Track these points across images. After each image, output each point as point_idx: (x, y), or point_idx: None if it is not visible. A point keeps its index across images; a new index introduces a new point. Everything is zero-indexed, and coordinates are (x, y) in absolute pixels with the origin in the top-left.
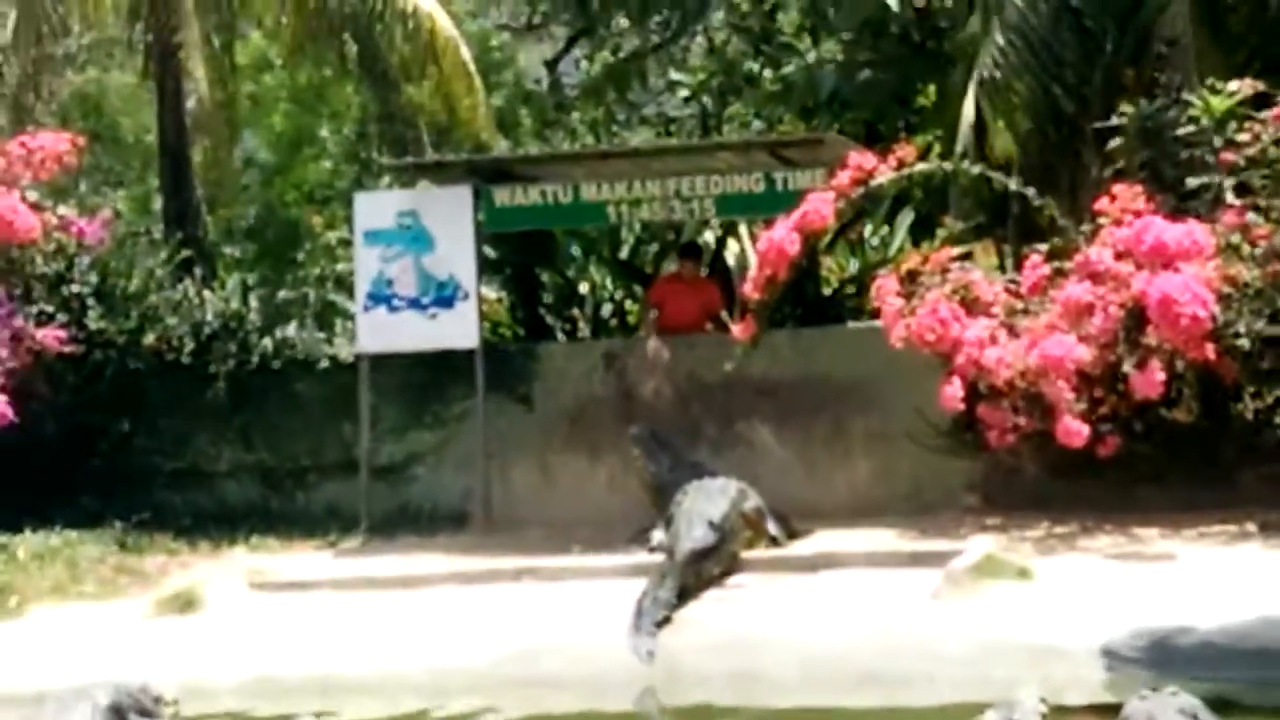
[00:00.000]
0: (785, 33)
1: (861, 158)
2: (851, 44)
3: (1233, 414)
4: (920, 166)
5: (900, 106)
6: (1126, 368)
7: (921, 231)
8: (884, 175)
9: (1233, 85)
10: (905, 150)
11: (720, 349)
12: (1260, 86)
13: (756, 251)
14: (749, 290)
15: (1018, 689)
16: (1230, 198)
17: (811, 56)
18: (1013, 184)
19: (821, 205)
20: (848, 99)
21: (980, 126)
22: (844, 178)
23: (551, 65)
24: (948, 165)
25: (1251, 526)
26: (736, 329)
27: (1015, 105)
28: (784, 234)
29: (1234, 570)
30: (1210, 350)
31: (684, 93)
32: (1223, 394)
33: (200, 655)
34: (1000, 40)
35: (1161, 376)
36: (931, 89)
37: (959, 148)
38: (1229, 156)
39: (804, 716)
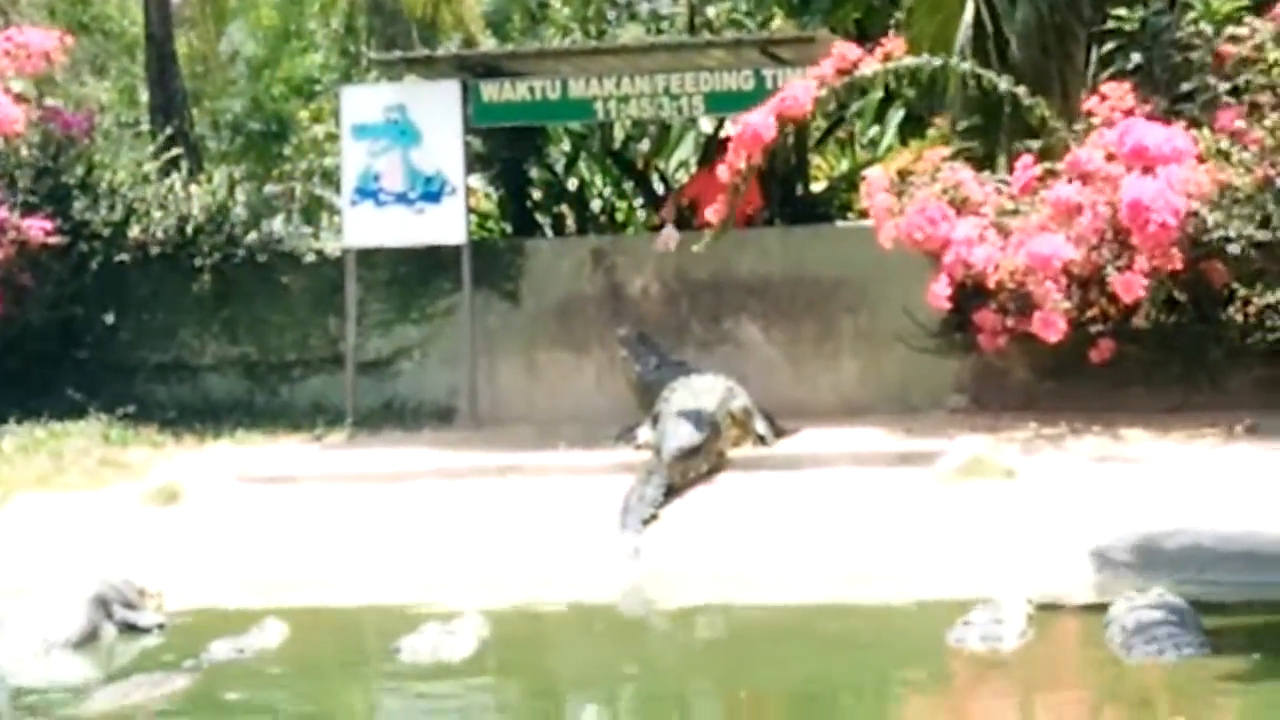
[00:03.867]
0: None
1: (845, 48)
2: None
3: (1223, 318)
4: (907, 60)
5: (891, 4)
6: (1111, 270)
7: (912, 131)
8: (869, 67)
9: None
10: (893, 43)
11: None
12: None
13: (734, 136)
14: (722, 173)
15: (1003, 588)
16: (1222, 101)
17: None
18: (1003, 83)
19: (801, 93)
20: (825, 1)
21: (977, 25)
22: (827, 67)
23: None
24: (936, 61)
25: (1240, 429)
26: (709, 213)
27: (1016, 6)
28: (761, 119)
29: (1222, 473)
30: (1177, 259)
31: None
32: (1212, 297)
33: (184, 547)
34: None
35: (1144, 280)
36: None
37: (957, 46)
38: (1228, 49)
39: (790, 612)
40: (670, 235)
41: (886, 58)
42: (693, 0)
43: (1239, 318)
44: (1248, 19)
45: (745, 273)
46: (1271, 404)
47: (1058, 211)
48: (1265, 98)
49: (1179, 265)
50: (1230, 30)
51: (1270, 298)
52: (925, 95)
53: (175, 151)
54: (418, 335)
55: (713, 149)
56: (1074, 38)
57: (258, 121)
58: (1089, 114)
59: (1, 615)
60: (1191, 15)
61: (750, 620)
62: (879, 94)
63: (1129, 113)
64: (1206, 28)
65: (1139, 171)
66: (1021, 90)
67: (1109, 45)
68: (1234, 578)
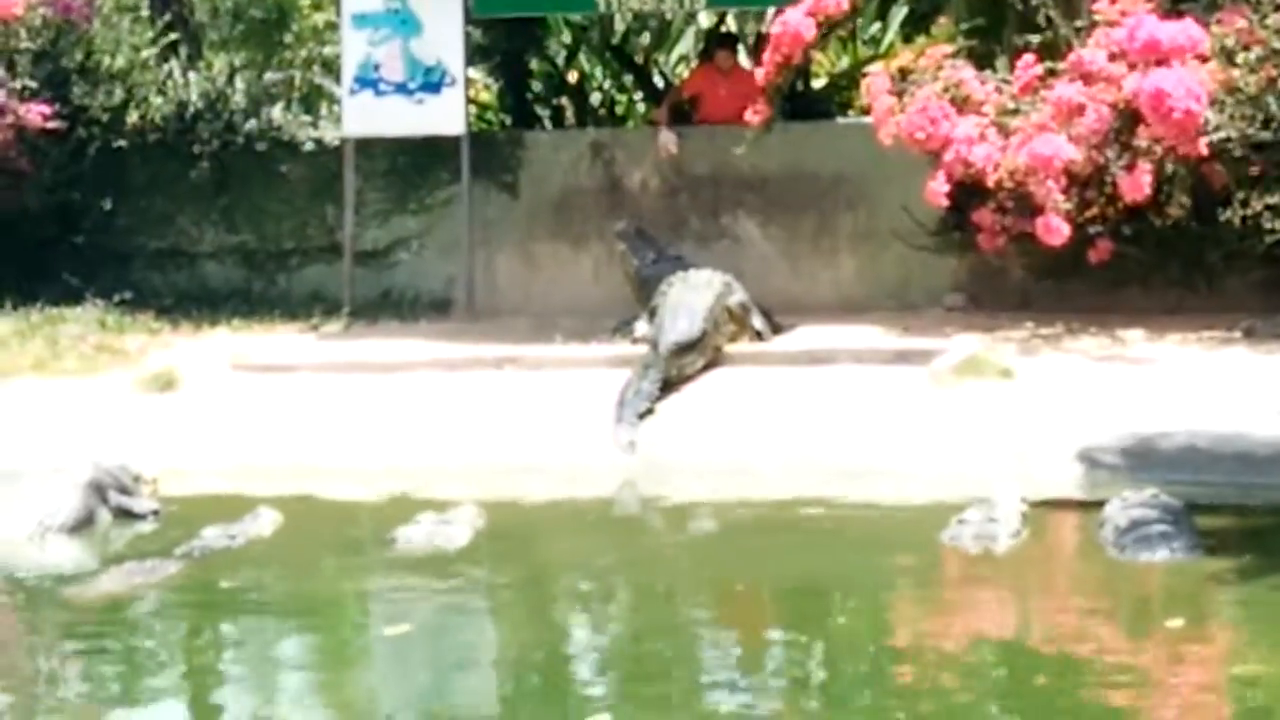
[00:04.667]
0: None
1: None
2: None
3: (1221, 219)
4: None
5: None
6: (1115, 170)
7: (914, 29)
8: None
9: None
10: None
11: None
12: None
13: (770, 35)
14: (762, 76)
15: (999, 486)
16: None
17: None
18: None
19: None
20: None
21: None
22: None
23: None
24: None
25: (1236, 332)
26: (750, 113)
27: None
28: (800, 18)
29: (1217, 375)
30: (1203, 145)
31: None
32: (1211, 199)
33: (179, 434)
34: None
35: (1149, 179)
36: None
37: None
38: None
39: (783, 508)
40: (669, 139)
41: None
42: None
43: (1237, 220)
44: None
45: (744, 168)
46: (1268, 306)
47: (1059, 111)
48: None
49: (1205, 152)
50: None
51: (1269, 199)
52: None
53: (173, 36)
54: (415, 226)
55: (711, 44)
56: None
57: (258, 8)
58: (1095, 11)
59: None
60: None
61: (745, 515)
62: None
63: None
64: None
65: (1145, 67)
66: None
67: None
68: (1228, 479)
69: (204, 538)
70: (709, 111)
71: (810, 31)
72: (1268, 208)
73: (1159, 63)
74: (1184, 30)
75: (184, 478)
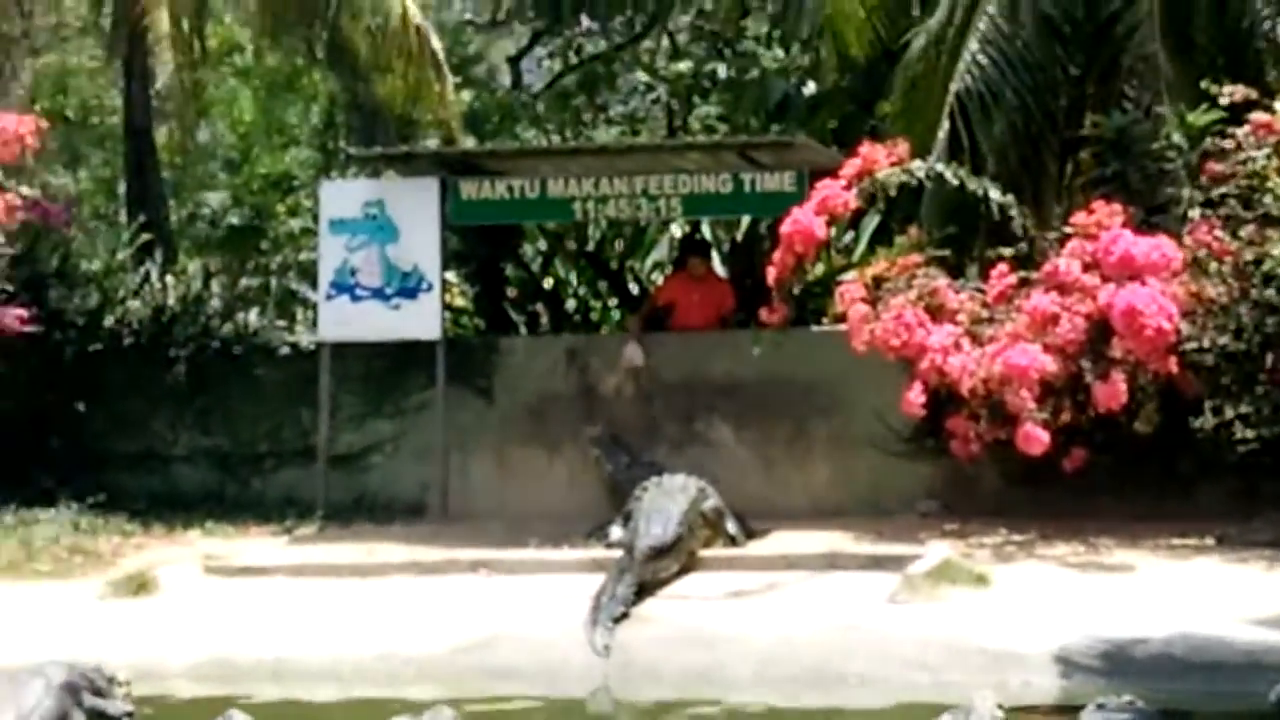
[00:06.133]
0: (749, 37)
1: (868, 149)
2: (816, 50)
3: (1193, 428)
4: (915, 164)
5: (865, 113)
6: (1089, 379)
7: (882, 239)
8: (884, 170)
9: (1230, 89)
10: (901, 147)
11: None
12: (1252, 95)
13: (779, 236)
14: (775, 275)
15: (974, 693)
16: (1197, 213)
17: (769, 63)
18: (995, 192)
19: (836, 193)
20: (799, 107)
21: (954, 136)
22: (852, 166)
23: (515, 61)
24: (940, 167)
25: (1209, 540)
26: (765, 314)
27: (993, 117)
28: (809, 217)
29: (1191, 582)
30: (1173, 363)
31: (653, 95)
32: (1184, 408)
33: (154, 637)
34: (978, 51)
35: (1124, 388)
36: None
37: (933, 157)
38: (1215, 167)
39: (757, 715)
40: (635, 353)
41: (899, 161)
42: (671, 104)
43: (1209, 429)
44: (1231, 130)
45: (718, 374)
46: (1241, 515)
47: (1034, 320)
48: (1238, 210)
49: (1175, 369)
50: (1209, 143)
51: (1241, 408)
52: (900, 203)
53: (146, 237)
54: (390, 430)
55: (685, 252)
56: (1049, 148)
57: (235, 215)
58: (1072, 226)
59: None
60: (1166, 129)
61: None
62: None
63: (1107, 228)
64: (1180, 140)
65: (1119, 281)
66: (1010, 199)
67: (1087, 152)
68: (1203, 686)
69: None
70: (683, 318)
71: (822, 229)
72: (1239, 417)
73: (1133, 278)
74: (1158, 247)
75: (159, 680)
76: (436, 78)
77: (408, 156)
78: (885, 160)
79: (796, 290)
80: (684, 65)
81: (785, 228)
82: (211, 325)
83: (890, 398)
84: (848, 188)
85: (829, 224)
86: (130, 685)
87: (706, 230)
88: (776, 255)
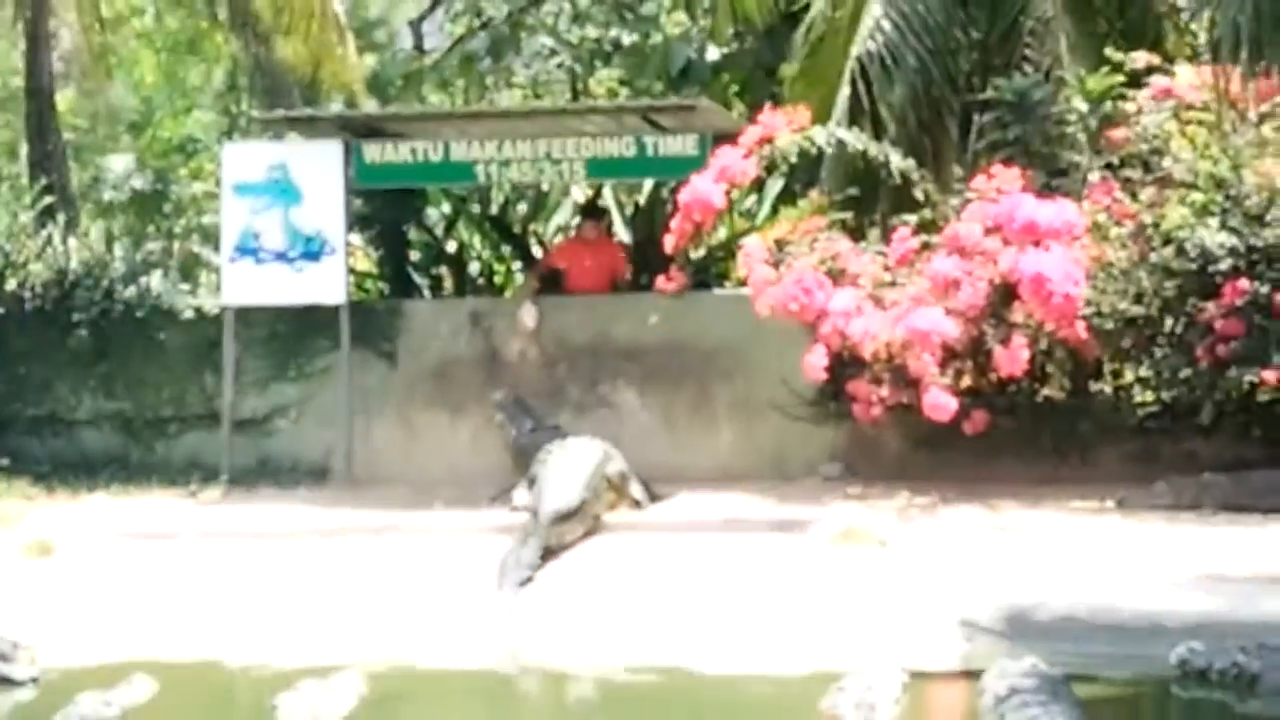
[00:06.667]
0: (651, 1)
1: (768, 117)
2: (715, 14)
3: (1094, 391)
4: (816, 130)
5: (767, 77)
6: (990, 344)
7: (785, 201)
8: (784, 138)
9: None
10: (802, 114)
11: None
12: (1154, 60)
13: (678, 204)
14: (674, 243)
15: (877, 655)
16: (1097, 176)
17: (671, 28)
18: (896, 157)
19: (737, 161)
20: (702, 71)
21: (855, 99)
22: (753, 135)
23: (416, 25)
24: (841, 133)
25: (1110, 503)
26: (662, 281)
27: (894, 80)
28: (709, 186)
29: (1092, 545)
30: (1082, 328)
31: (556, 60)
32: (1085, 372)
33: (57, 601)
34: (881, 15)
35: (1025, 353)
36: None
37: (833, 120)
38: (1117, 135)
39: (663, 676)
40: (529, 314)
41: (800, 128)
42: (574, 68)
43: (1109, 392)
44: (1131, 94)
45: (622, 338)
46: (1141, 478)
47: (936, 285)
48: (1138, 173)
49: (1084, 335)
50: (1110, 107)
51: (1141, 372)
52: (803, 166)
53: (49, 200)
54: (294, 394)
55: (586, 215)
56: (950, 111)
57: (138, 178)
58: (971, 189)
59: None
60: (1067, 92)
61: (624, 685)
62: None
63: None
64: (1080, 105)
65: (1021, 246)
66: (910, 164)
67: (988, 115)
68: (1104, 649)
69: (80, 705)
70: (575, 281)
71: (720, 199)
72: (1139, 380)
73: (1035, 243)
74: (1061, 213)
75: (62, 645)
76: (339, 40)
77: (311, 119)
78: (786, 128)
79: (698, 255)
80: (588, 30)
81: (683, 197)
82: (115, 289)
83: (793, 361)
84: (748, 156)
85: (728, 192)
86: (34, 649)
87: (609, 194)
88: (675, 223)
